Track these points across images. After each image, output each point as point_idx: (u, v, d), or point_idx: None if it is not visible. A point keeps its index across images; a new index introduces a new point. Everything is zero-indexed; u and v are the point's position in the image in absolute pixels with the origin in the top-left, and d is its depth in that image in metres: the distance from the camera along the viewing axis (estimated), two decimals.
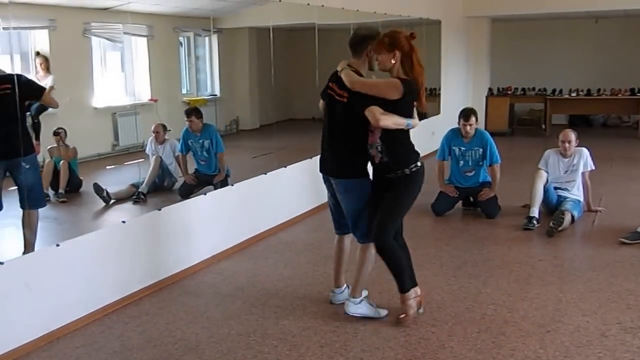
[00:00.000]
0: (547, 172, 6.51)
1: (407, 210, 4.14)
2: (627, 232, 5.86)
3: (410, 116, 3.97)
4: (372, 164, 4.11)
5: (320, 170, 4.30)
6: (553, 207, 6.46)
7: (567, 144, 6.51)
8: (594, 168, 6.64)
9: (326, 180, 4.29)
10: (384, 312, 4.27)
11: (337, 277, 4.51)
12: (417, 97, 3.97)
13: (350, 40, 4.19)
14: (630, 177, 8.79)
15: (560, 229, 6.02)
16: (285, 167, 6.73)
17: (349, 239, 4.43)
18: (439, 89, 11.49)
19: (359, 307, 4.24)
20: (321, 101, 4.34)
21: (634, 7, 11.26)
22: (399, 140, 4.00)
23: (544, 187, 6.41)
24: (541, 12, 11.71)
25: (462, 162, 6.81)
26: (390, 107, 3.85)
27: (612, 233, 6.01)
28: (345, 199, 4.17)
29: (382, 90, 3.87)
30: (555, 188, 6.55)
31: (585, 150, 6.61)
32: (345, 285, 4.52)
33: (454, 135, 6.80)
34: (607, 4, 11.38)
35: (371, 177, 4.19)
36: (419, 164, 4.03)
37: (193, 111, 6.63)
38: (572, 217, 6.24)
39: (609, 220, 6.52)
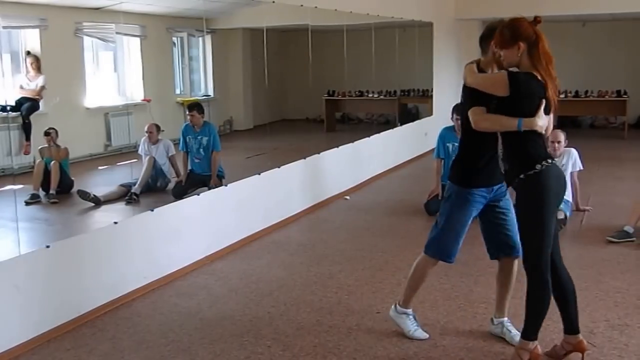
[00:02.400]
0: None
1: (537, 226, 3.35)
2: (614, 230, 5.93)
3: (525, 115, 3.30)
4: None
5: (495, 183, 3.67)
6: None
7: (556, 144, 6.56)
8: (582, 168, 6.70)
9: (484, 196, 3.70)
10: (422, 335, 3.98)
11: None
12: (539, 93, 3.31)
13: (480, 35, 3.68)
14: (617, 177, 8.87)
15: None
16: (279, 167, 6.73)
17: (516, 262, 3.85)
18: (432, 91, 11.56)
19: None
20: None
21: (620, 10, 11.35)
22: (516, 144, 3.39)
23: None
24: (530, 15, 11.78)
25: None
26: (500, 105, 3.34)
27: (599, 232, 6.07)
28: (509, 201, 3.78)
29: (487, 85, 3.38)
30: None
31: (574, 151, 6.66)
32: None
33: (447, 132, 6.83)
34: (595, 8, 11.46)
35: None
36: (537, 167, 3.32)
37: (195, 106, 6.64)
38: (565, 216, 6.28)
39: (597, 219, 6.58)
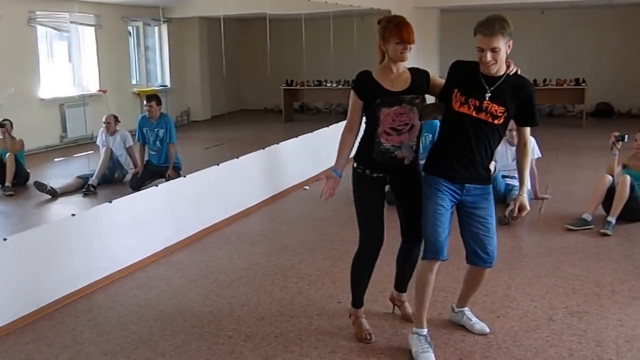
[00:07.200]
0: (496, 161, 6.62)
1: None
2: (572, 218, 6.03)
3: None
4: (387, 166, 3.72)
5: (457, 180, 3.60)
6: (501, 195, 6.57)
7: (513, 132, 6.61)
8: (540, 156, 6.79)
9: (450, 193, 3.61)
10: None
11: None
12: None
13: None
14: (575, 165, 9.01)
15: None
16: (237, 158, 6.69)
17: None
18: None
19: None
20: None
21: None
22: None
23: (492, 175, 6.51)
24: (489, 3, 11.88)
25: None
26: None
27: (558, 220, 6.17)
28: (490, 206, 3.69)
29: None
30: (503, 177, 6.67)
31: (531, 139, 6.72)
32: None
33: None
34: None
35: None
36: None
37: (154, 97, 6.58)
38: None
39: (555, 207, 6.68)
